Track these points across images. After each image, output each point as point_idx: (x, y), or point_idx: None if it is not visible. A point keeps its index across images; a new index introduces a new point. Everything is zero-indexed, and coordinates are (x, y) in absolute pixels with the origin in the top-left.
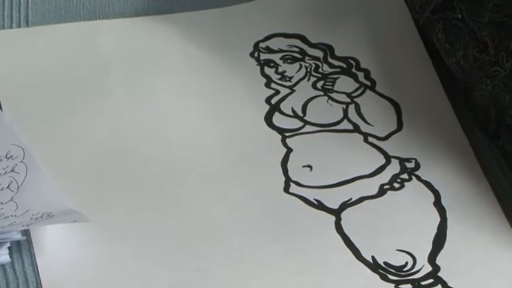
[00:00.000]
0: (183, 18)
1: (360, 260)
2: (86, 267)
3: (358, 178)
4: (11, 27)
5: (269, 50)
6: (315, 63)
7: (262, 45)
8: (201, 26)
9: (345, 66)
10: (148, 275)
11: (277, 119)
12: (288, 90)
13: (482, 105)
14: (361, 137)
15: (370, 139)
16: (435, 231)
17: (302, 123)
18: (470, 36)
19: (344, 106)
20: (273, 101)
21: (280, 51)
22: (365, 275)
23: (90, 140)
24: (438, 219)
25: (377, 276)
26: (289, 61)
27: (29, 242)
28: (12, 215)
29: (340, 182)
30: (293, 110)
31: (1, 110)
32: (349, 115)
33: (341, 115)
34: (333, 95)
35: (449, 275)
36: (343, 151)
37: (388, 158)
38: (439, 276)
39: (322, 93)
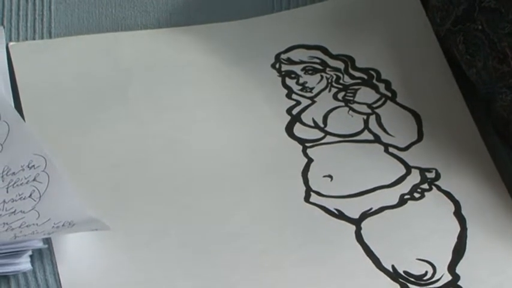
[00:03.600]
0: (205, 30)
1: (380, 269)
2: (107, 275)
3: (378, 188)
4: (34, 39)
5: (290, 62)
6: (336, 75)
7: (283, 56)
8: (222, 38)
9: (365, 77)
10: (169, 283)
11: (298, 130)
12: (309, 101)
13: (502, 116)
14: (381, 148)
15: (391, 149)
16: (455, 240)
17: (323, 134)
18: (490, 47)
19: (365, 117)
20: (294, 111)
21: (302, 62)
22: (385, 284)
23: (111, 150)
24: (458, 228)
25: (397, 285)
26: (310, 72)
27: (50, 250)
28: (34, 224)
29: (361, 192)
30: (314, 121)
31: (23, 120)
32: (370, 126)
33: (362, 126)
34: (354, 105)
35: (469, 284)
36: (364, 161)
37: (408, 168)
38: (459, 285)
39: (343, 104)
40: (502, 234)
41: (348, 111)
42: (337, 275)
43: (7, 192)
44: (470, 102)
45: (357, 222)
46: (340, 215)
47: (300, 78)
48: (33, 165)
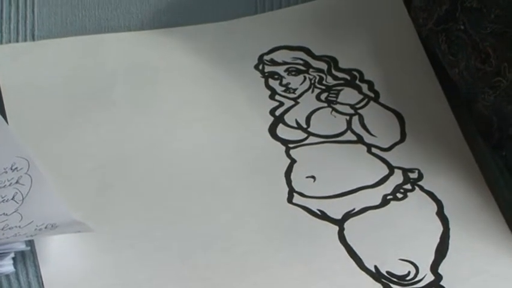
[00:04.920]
0: (188, 32)
1: (362, 270)
2: (90, 278)
3: (361, 188)
4: (17, 41)
5: (273, 63)
6: (319, 75)
7: (266, 57)
8: (205, 39)
9: (348, 78)
10: (153, 285)
11: (281, 131)
12: (292, 102)
13: (484, 116)
14: (364, 148)
15: (374, 150)
16: (438, 240)
17: (306, 135)
18: (472, 47)
19: (348, 117)
20: (277, 112)
21: (285, 63)
22: (368, 284)
23: (95, 152)
24: (441, 228)
25: (379, 286)
26: (293, 73)
27: (33, 252)
28: (16, 226)
29: (344, 193)
30: (297, 122)
31: (7, 122)
32: (353, 126)
33: (345, 126)
34: (337, 106)
35: (451, 284)
36: (347, 162)
37: (391, 169)
38: (441, 285)
39: (326, 104)
40: (484, 234)
41: (331, 112)
42: (320, 275)
43: None
44: (453, 102)
45: (340, 223)
46: (323, 216)
47: (283, 79)
48: (16, 168)
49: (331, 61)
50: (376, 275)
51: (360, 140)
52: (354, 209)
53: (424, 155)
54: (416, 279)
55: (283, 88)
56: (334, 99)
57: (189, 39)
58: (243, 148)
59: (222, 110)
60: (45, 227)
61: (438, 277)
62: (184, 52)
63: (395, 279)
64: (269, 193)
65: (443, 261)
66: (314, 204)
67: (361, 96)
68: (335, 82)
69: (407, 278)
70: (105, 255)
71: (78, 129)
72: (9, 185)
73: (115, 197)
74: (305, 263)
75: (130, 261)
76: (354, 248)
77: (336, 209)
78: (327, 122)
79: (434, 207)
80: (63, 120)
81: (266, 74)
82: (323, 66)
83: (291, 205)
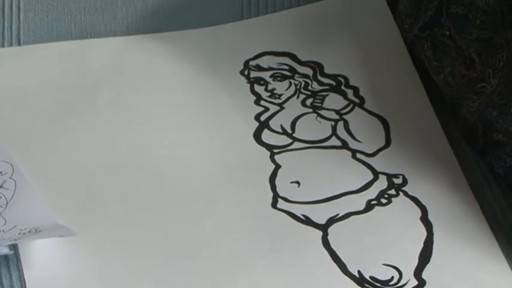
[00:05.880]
0: (174, 37)
1: (346, 275)
2: (74, 282)
3: (345, 194)
4: (3, 46)
5: (259, 68)
6: (304, 81)
7: (252, 63)
8: (191, 45)
9: (334, 83)
10: None
11: (266, 136)
12: (278, 108)
13: (469, 121)
14: (349, 154)
15: (358, 155)
16: (421, 245)
17: (291, 140)
18: (457, 53)
19: (333, 123)
20: (263, 118)
21: (270, 69)
22: None
23: (80, 157)
24: (425, 234)
25: None
26: (279, 79)
27: (16, 256)
28: (0, 230)
29: (328, 198)
30: (282, 127)
31: None
32: (338, 132)
33: (329, 132)
34: (322, 112)
35: None
36: (331, 167)
37: (375, 174)
38: None
39: (311, 110)
40: (468, 239)
41: (316, 118)
42: (304, 280)
43: None
44: (438, 108)
45: (324, 228)
46: (307, 221)
47: (269, 85)
48: (0, 172)
49: (317, 67)
50: (360, 280)
51: (344, 145)
52: (338, 214)
53: (409, 161)
54: (400, 284)
55: (269, 93)
56: (320, 104)
57: (174, 44)
58: (228, 153)
59: (207, 115)
60: (29, 231)
61: (422, 282)
62: (170, 57)
63: (378, 284)
64: (253, 198)
65: (427, 266)
66: (298, 210)
67: (346, 102)
68: (320, 88)
69: (391, 283)
70: (89, 259)
71: (64, 134)
72: None
73: (100, 201)
74: (289, 267)
75: (115, 266)
76: (338, 253)
77: (320, 214)
78: (312, 127)
79: (418, 212)
80: (49, 125)
81: (252, 80)
82: (308, 71)
83: (275, 210)
